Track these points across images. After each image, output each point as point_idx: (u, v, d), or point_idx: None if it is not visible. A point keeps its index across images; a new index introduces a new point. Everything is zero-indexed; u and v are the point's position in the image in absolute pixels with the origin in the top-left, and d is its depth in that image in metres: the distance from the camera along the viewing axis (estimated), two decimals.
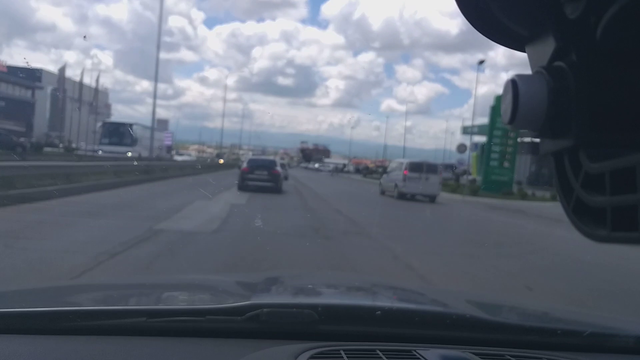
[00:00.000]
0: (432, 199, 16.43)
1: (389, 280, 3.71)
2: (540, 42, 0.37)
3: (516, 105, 0.34)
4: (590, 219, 0.34)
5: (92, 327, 1.07)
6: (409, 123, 67.19)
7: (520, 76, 0.35)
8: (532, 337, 1.15)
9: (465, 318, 1.19)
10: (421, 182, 16.02)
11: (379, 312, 1.15)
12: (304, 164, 69.13)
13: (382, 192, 18.15)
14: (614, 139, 0.33)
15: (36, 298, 1.42)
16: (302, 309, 1.11)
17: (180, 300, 1.53)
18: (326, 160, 71.78)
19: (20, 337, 1.01)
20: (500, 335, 1.15)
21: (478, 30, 0.38)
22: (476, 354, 0.96)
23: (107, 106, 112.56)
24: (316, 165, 62.29)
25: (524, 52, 0.39)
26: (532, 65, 0.37)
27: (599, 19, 0.32)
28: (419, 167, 16.49)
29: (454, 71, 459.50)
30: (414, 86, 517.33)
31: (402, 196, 16.04)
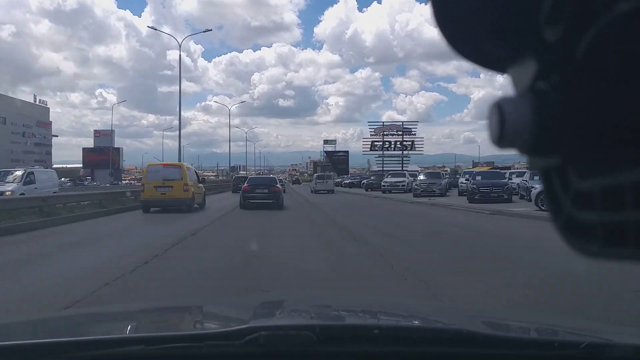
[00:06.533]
0: (330, 192, 36.08)
1: (386, 299, 3.90)
2: (522, 64, 0.37)
3: (502, 127, 0.35)
4: (581, 234, 0.35)
5: (90, 357, 1.12)
6: None
7: (504, 98, 0.36)
8: (530, 351, 1.19)
9: (463, 333, 1.21)
10: (323, 183, 37.40)
11: (376, 330, 1.18)
12: (339, 179, 52.41)
13: (311, 190, 38.05)
14: (600, 155, 0.33)
15: (30, 330, 1.48)
16: (300, 330, 1.13)
17: (178, 327, 1.60)
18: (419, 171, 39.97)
19: None
20: (498, 350, 1.18)
21: (458, 54, 0.38)
22: None
23: (45, 125, 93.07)
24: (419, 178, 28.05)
25: (506, 74, 0.39)
26: (516, 87, 0.38)
27: (578, 40, 0.33)
28: (322, 177, 39.68)
29: (450, 78, 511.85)
30: (412, 96, 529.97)
31: (316, 192, 36.14)
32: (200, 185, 18.44)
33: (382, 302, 2.39)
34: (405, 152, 58.76)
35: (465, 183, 22.87)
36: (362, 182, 43.66)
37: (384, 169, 54.01)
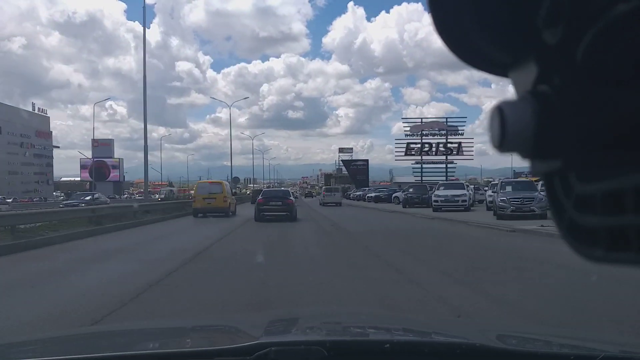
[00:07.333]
0: (338, 204, 34.13)
1: (396, 313, 3.93)
2: (523, 67, 0.37)
3: (504, 130, 0.35)
4: (584, 239, 0.35)
5: None
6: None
7: (506, 102, 0.36)
8: None
9: (475, 347, 1.22)
10: (331, 196, 35.84)
11: (387, 345, 1.19)
12: (359, 192, 47.49)
13: (320, 203, 36.87)
14: (601, 159, 0.33)
15: (45, 347, 1.52)
16: (310, 345, 1.14)
17: (190, 343, 1.62)
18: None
19: None
20: None
21: (460, 59, 0.38)
22: None
23: (45, 135, 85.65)
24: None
25: (508, 77, 0.39)
26: (517, 90, 0.38)
27: (578, 43, 0.32)
28: (330, 189, 40.46)
29: (461, 89, 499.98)
30: (422, 107, 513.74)
31: (324, 204, 34.60)
32: (233, 197, 24.48)
33: (393, 317, 2.48)
34: (449, 157, 47.04)
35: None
36: (394, 195, 34.78)
37: (422, 179, 42.71)
